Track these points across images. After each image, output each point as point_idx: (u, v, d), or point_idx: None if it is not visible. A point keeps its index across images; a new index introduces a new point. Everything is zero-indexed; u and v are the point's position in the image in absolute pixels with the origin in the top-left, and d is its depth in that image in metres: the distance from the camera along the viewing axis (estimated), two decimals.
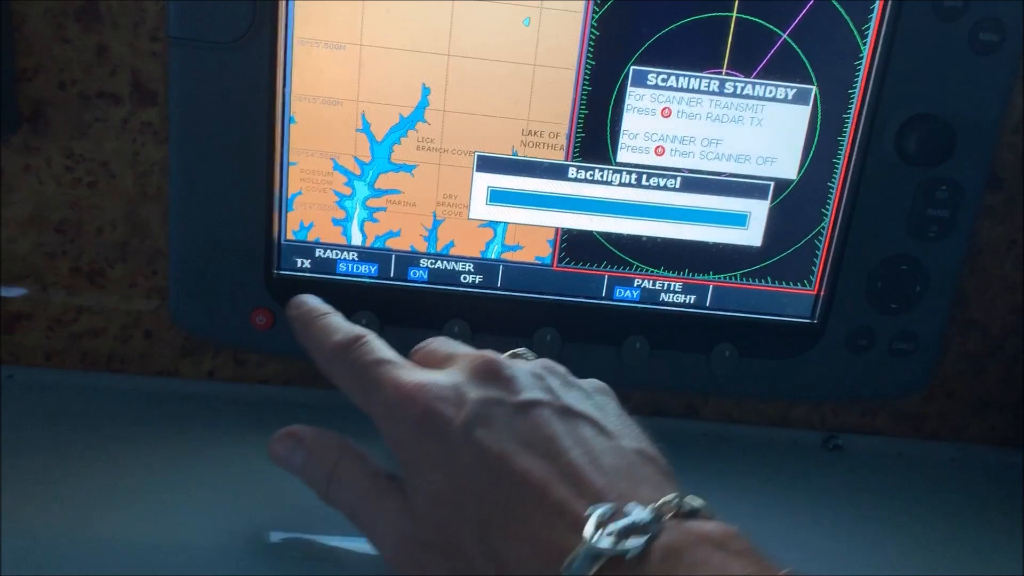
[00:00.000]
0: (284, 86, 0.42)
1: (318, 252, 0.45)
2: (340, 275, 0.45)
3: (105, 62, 0.42)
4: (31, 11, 0.41)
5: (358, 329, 0.35)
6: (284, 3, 0.40)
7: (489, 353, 0.34)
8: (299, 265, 0.45)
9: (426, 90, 0.42)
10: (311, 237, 0.44)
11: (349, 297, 0.45)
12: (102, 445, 0.42)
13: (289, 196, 0.44)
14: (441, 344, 0.36)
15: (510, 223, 0.45)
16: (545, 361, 0.35)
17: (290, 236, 0.44)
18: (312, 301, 0.38)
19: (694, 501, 0.28)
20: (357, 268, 0.45)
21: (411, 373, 0.33)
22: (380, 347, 0.34)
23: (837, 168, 0.44)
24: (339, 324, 0.36)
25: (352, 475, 0.33)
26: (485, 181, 0.44)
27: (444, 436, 0.31)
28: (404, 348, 0.36)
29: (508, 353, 0.35)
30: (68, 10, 0.41)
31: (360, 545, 0.37)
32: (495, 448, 0.30)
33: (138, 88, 0.43)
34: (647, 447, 0.32)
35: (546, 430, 0.31)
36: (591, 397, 0.34)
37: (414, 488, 0.31)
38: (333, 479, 0.33)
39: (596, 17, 0.42)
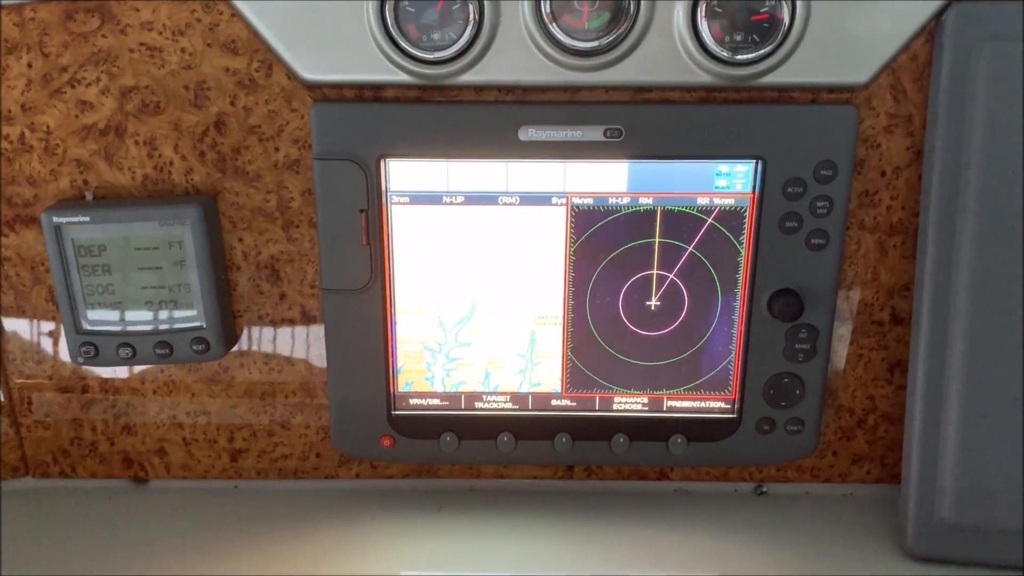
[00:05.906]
0: (392, 308, 0.70)
1: (416, 399, 0.73)
2: (429, 410, 0.73)
3: (284, 302, 0.71)
4: (241, 278, 0.70)
5: None
6: (388, 266, 0.68)
7: None
8: (406, 405, 0.73)
9: (474, 304, 0.70)
10: (412, 389, 0.72)
11: (436, 423, 0.72)
12: (293, 526, 0.72)
13: (398, 367, 0.72)
14: None
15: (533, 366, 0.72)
16: None
17: (400, 390, 0.72)
18: None
19: None
20: (440, 403, 0.73)
21: None
22: None
23: (735, 323, 0.70)
24: None
25: None
26: (515, 349, 0.71)
27: None
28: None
29: None
30: (261, 275, 0.70)
31: None
32: None
33: (305, 315, 0.71)
34: None
35: None
36: None
37: None
38: None
39: (573, 249, 0.68)
